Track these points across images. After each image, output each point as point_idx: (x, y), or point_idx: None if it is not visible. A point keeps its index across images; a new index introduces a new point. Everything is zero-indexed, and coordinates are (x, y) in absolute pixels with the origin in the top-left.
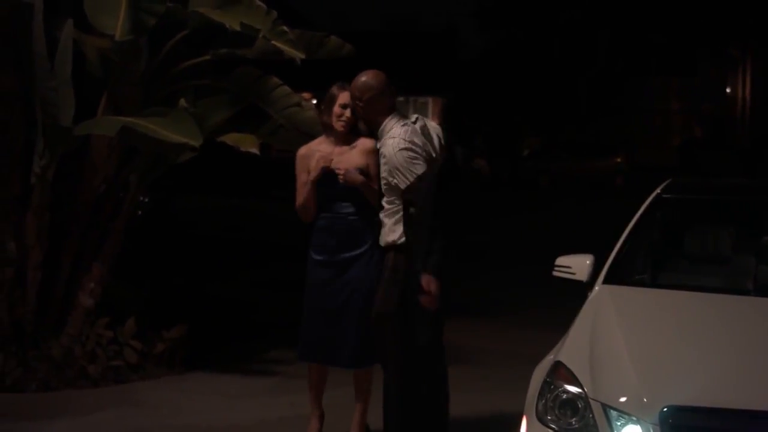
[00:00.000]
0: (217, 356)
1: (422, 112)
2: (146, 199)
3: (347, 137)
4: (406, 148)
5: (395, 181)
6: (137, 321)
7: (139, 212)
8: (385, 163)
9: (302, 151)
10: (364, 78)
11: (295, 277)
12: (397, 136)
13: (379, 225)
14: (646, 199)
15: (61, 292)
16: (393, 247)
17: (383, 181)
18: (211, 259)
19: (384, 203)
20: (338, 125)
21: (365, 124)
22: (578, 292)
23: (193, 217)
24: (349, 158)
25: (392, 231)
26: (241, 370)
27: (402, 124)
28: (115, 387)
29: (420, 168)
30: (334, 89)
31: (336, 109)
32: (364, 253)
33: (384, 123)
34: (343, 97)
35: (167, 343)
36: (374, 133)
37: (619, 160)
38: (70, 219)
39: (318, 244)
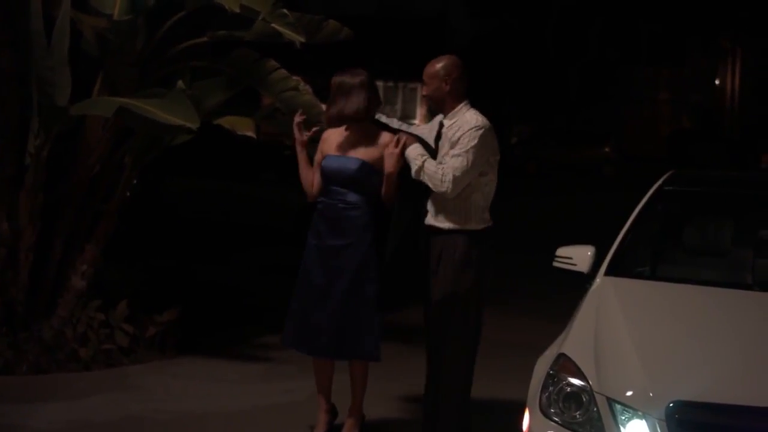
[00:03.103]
0: (209, 341)
1: (411, 97)
2: (135, 181)
3: (366, 127)
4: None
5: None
6: (129, 304)
7: (128, 194)
8: (461, 135)
9: (325, 134)
10: (447, 60)
11: (286, 261)
12: (481, 116)
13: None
14: (635, 188)
15: (53, 274)
16: (465, 232)
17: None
18: (202, 242)
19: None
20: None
21: (437, 105)
22: (574, 281)
23: (182, 199)
24: (363, 149)
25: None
26: (233, 355)
27: (476, 111)
28: (106, 370)
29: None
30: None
31: None
32: (352, 243)
33: (458, 108)
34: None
35: (159, 326)
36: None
37: (607, 149)
38: (64, 200)
39: (313, 227)
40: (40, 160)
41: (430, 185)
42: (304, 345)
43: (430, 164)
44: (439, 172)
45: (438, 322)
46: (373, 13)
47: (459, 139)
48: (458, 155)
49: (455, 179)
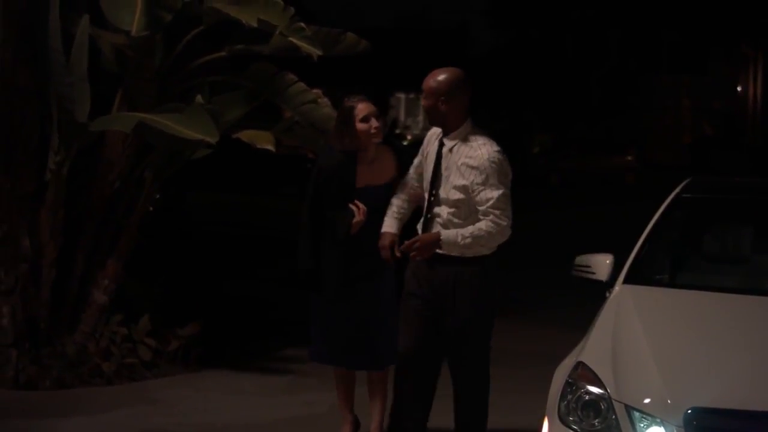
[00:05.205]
0: (232, 354)
1: None
2: (157, 195)
3: (375, 149)
4: (501, 159)
5: (485, 191)
6: (151, 318)
7: (150, 208)
8: (475, 167)
9: None
10: (446, 74)
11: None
12: (488, 143)
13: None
14: (659, 197)
15: (75, 289)
16: (476, 259)
17: (465, 190)
18: (224, 255)
19: (453, 214)
20: (375, 138)
21: (436, 122)
22: (597, 291)
23: (203, 213)
24: (380, 174)
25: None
26: (255, 368)
27: (484, 133)
28: (129, 385)
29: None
30: (347, 102)
31: (360, 125)
32: (381, 265)
33: (462, 127)
34: (363, 108)
35: (181, 340)
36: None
37: (629, 158)
38: (85, 215)
39: (340, 252)
40: (60, 176)
41: (492, 243)
42: (342, 361)
43: (474, 229)
44: (489, 225)
45: (456, 351)
46: (392, 25)
47: (478, 170)
48: (494, 186)
49: (509, 212)
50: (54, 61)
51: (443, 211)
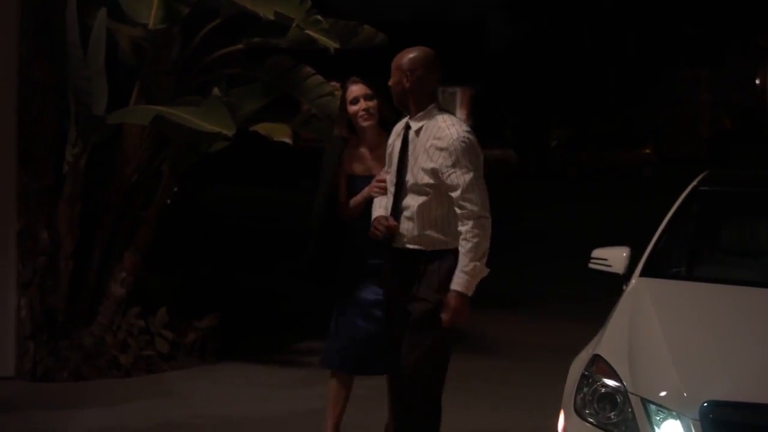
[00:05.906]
0: (249, 347)
1: (451, 101)
2: (175, 189)
3: (376, 135)
4: (471, 140)
5: (456, 173)
6: (168, 310)
7: (168, 201)
8: (444, 149)
9: (346, 154)
10: (415, 52)
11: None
12: (457, 123)
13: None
14: (677, 190)
15: (93, 282)
16: (449, 251)
17: (434, 174)
18: (241, 248)
19: (423, 206)
20: (363, 121)
21: (398, 100)
22: (613, 284)
23: (221, 206)
24: (383, 163)
25: (449, 233)
26: (272, 361)
27: (450, 115)
28: (146, 377)
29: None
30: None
31: (350, 107)
32: None
33: (426, 110)
34: (354, 90)
35: (198, 333)
36: (399, 113)
37: (648, 151)
38: (102, 208)
39: (351, 246)
40: (78, 169)
41: (487, 240)
42: (362, 367)
43: (466, 250)
44: (470, 228)
45: (414, 344)
46: (409, 18)
47: (448, 151)
48: (466, 169)
49: (484, 195)
50: (71, 54)
51: (412, 202)
